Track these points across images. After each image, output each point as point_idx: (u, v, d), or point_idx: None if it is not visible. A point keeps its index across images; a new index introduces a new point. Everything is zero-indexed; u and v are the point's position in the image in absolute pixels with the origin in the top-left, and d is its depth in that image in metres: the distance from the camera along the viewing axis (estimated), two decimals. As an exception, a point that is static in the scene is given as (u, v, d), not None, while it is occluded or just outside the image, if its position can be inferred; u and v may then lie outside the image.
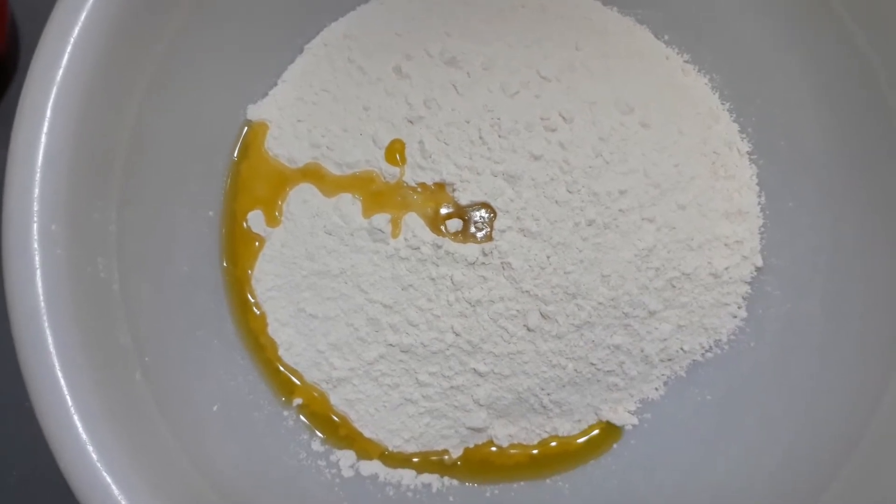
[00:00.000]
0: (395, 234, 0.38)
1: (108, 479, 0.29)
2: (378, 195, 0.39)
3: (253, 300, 0.40)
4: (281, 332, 0.40)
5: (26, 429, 0.34)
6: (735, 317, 0.41)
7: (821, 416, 0.36)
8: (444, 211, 0.39)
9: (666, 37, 0.43)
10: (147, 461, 0.30)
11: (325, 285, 0.39)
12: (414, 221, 0.38)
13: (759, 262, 0.41)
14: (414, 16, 0.42)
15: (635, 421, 0.41)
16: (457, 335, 0.38)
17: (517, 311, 0.38)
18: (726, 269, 0.40)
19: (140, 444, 0.30)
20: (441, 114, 0.39)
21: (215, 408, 0.37)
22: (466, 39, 0.40)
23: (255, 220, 0.41)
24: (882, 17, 0.35)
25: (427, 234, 0.38)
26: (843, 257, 0.38)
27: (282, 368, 0.40)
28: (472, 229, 0.38)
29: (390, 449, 0.40)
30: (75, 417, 0.29)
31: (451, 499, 0.40)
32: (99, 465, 0.29)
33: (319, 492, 0.38)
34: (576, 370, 0.39)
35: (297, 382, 0.40)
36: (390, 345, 0.39)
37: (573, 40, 0.41)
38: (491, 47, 0.40)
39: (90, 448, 0.29)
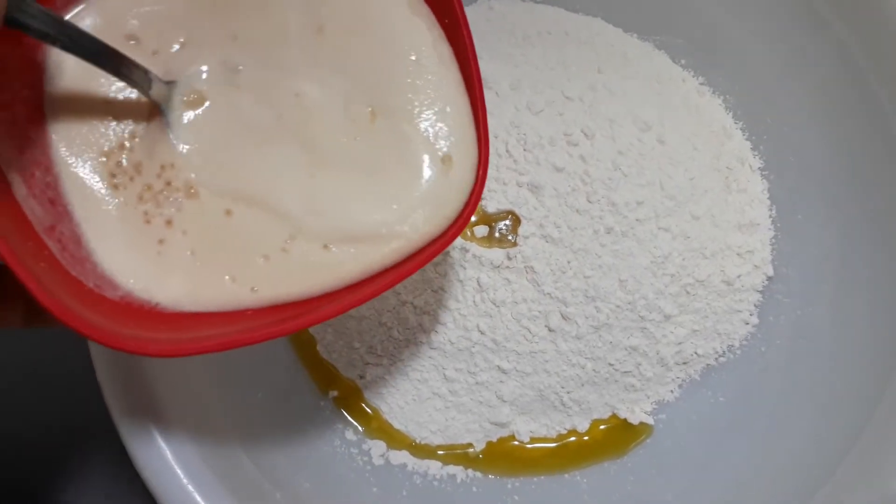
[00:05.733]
0: (426, 239, 0.41)
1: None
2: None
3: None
4: (320, 328, 0.44)
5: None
6: (747, 323, 0.43)
7: (826, 417, 0.38)
8: (472, 218, 0.41)
9: (682, 61, 0.46)
10: (200, 431, 0.34)
11: (362, 286, 0.42)
12: (444, 227, 0.41)
13: (770, 272, 0.43)
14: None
15: (651, 421, 0.43)
16: (482, 333, 0.41)
17: (539, 311, 0.41)
18: (738, 277, 0.42)
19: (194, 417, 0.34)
20: (471, 129, 0.42)
21: (259, 395, 0.40)
22: (496, 61, 0.44)
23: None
24: (881, 43, 0.38)
25: (455, 239, 0.41)
26: (850, 267, 0.41)
27: (320, 361, 0.43)
28: (498, 235, 0.41)
29: (417, 441, 0.43)
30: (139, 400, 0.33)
31: (474, 489, 0.42)
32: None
33: (352, 477, 0.41)
34: (594, 370, 0.42)
35: (334, 376, 0.43)
36: (420, 342, 0.42)
37: (595, 63, 0.44)
38: (518, 69, 0.44)
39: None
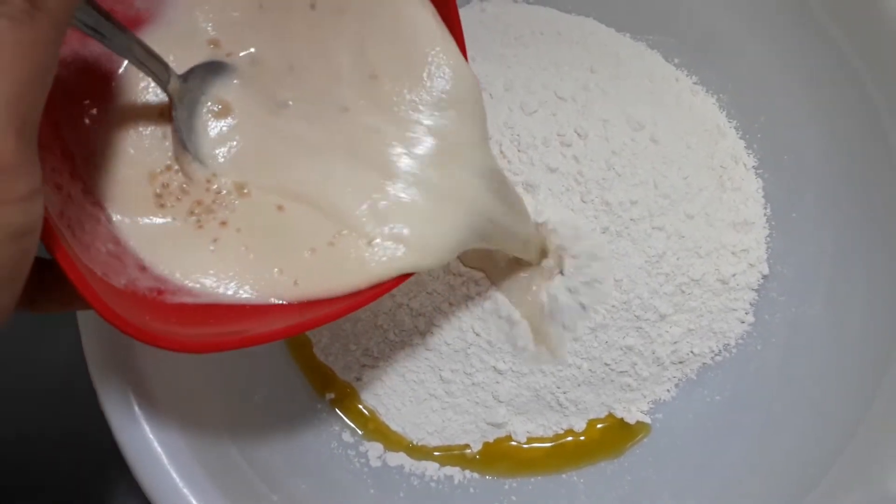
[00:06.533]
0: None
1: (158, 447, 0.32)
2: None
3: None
4: (316, 331, 0.44)
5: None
6: (743, 322, 0.43)
7: (822, 415, 0.38)
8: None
9: (676, 60, 0.46)
10: (195, 433, 0.34)
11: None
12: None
13: (766, 270, 0.43)
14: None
15: (648, 420, 0.43)
16: (477, 335, 0.41)
17: (534, 312, 0.41)
18: (733, 275, 0.42)
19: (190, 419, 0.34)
20: (465, 131, 0.42)
21: (256, 398, 0.41)
22: (489, 63, 0.44)
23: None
24: (875, 43, 0.38)
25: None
26: (845, 264, 0.40)
27: (317, 364, 0.43)
28: (493, 236, 0.41)
29: (414, 442, 0.43)
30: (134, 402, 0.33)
31: (471, 490, 0.42)
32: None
33: (349, 479, 0.41)
34: (590, 370, 0.42)
35: (330, 378, 0.43)
36: (416, 344, 0.42)
37: (588, 63, 0.44)
38: (511, 70, 0.44)
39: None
